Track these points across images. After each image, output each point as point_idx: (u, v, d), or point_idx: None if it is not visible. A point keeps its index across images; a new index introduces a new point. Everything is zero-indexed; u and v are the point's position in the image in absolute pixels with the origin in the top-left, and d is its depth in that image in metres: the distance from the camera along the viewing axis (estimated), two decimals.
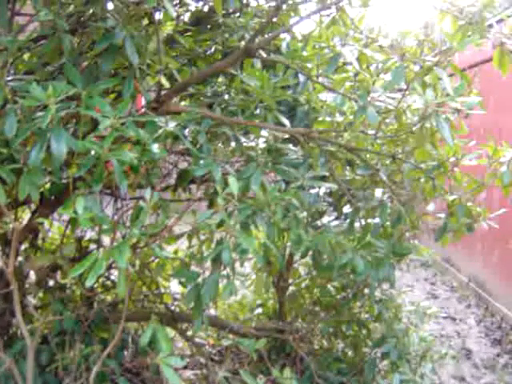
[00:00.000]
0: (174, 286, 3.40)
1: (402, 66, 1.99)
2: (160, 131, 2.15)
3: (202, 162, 2.27)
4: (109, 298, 3.37)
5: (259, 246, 2.50)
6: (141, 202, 2.08)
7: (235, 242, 2.18)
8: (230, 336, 3.35)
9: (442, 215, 2.67)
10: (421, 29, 2.57)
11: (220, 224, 2.20)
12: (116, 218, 3.00)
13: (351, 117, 2.54)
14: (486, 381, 5.10)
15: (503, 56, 2.47)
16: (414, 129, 2.24)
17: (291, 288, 3.54)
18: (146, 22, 2.69)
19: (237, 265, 2.44)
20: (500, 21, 2.54)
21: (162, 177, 3.13)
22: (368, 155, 2.72)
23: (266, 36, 2.68)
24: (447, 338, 6.00)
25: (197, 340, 3.75)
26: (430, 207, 2.73)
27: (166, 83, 2.33)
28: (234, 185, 2.05)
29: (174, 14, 2.11)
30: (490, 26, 2.54)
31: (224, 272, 2.29)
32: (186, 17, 3.16)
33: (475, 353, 5.67)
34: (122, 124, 2.07)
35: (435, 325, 6.27)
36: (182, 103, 3.05)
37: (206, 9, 3.13)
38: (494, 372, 5.25)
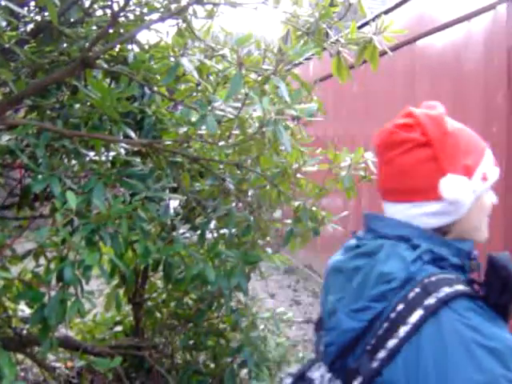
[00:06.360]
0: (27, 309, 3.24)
1: (240, 75, 2.00)
2: None
3: (40, 176, 2.18)
4: None
5: (108, 262, 2.43)
6: None
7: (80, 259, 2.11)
8: (90, 356, 3.24)
9: (289, 221, 2.72)
10: (262, 37, 2.62)
11: (64, 241, 2.12)
12: None
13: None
14: None
15: (340, 64, 2.56)
16: (257, 136, 2.27)
17: (149, 303, 3.48)
18: None
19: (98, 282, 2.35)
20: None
21: (6, 194, 2.99)
22: (217, 165, 2.72)
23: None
24: (310, 342, 6.13)
25: (52, 363, 3.60)
26: (277, 214, 2.78)
27: None
28: (72, 199, 1.97)
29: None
30: (338, 40, 2.63)
31: (72, 290, 2.21)
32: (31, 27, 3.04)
33: None
34: None
35: (299, 330, 6.41)
36: (28, 116, 2.93)
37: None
38: None
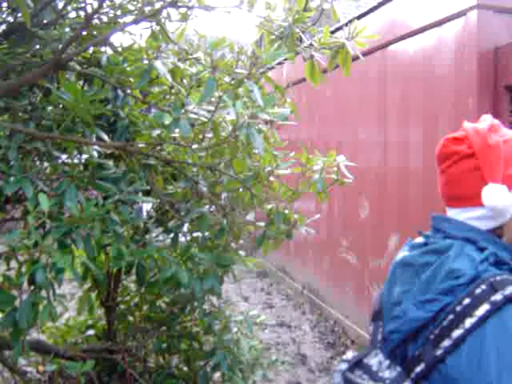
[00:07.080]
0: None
1: (214, 79, 2.01)
2: None
3: (12, 179, 2.16)
4: None
5: (81, 265, 2.42)
6: None
7: (51, 262, 2.09)
8: (62, 360, 3.21)
9: (263, 224, 2.73)
10: (236, 41, 2.63)
11: (36, 243, 2.11)
12: None
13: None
14: (320, 383, 5.29)
15: (314, 68, 2.58)
16: (230, 140, 2.28)
17: (121, 306, 3.47)
18: None
19: (71, 285, 2.32)
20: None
21: None
22: (191, 168, 2.72)
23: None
24: (283, 345, 6.15)
25: (24, 367, 3.56)
26: (250, 217, 2.79)
27: None
28: (44, 202, 1.96)
29: None
30: (311, 44, 2.65)
31: (44, 294, 2.20)
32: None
33: (310, 357, 5.85)
34: None
35: (271, 333, 6.42)
36: (0, 118, 2.90)
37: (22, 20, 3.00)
38: (328, 374, 5.45)
